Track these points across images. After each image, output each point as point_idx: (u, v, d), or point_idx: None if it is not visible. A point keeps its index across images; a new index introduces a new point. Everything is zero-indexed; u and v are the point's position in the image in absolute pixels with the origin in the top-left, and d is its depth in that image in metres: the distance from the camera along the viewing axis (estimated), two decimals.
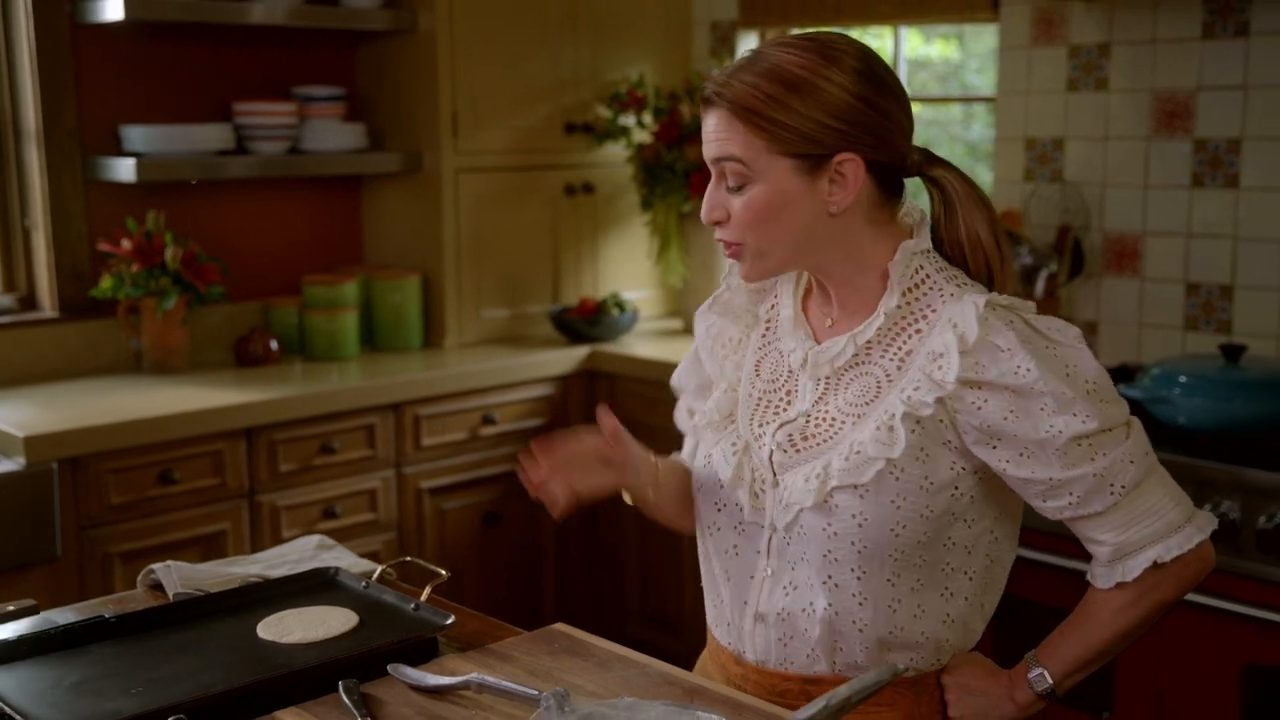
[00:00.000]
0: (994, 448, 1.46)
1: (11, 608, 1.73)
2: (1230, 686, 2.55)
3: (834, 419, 1.52)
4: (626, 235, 4.05)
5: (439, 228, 3.64)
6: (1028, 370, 1.43)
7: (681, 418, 1.74)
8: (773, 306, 1.65)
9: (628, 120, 3.88)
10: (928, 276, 1.52)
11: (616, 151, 3.93)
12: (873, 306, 1.53)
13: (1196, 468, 2.55)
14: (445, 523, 3.41)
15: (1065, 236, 3.34)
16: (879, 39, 4.13)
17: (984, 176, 3.97)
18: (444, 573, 1.76)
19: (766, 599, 1.56)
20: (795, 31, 1.51)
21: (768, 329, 1.64)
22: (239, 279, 3.56)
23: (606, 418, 1.58)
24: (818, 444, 1.52)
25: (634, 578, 3.73)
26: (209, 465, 2.97)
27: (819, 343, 1.57)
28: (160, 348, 3.30)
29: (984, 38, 3.94)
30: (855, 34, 4.09)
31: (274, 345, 3.46)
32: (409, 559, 1.88)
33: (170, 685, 1.48)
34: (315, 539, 2.04)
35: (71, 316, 3.31)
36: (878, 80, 1.48)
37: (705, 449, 1.63)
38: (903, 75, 3.96)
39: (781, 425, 1.56)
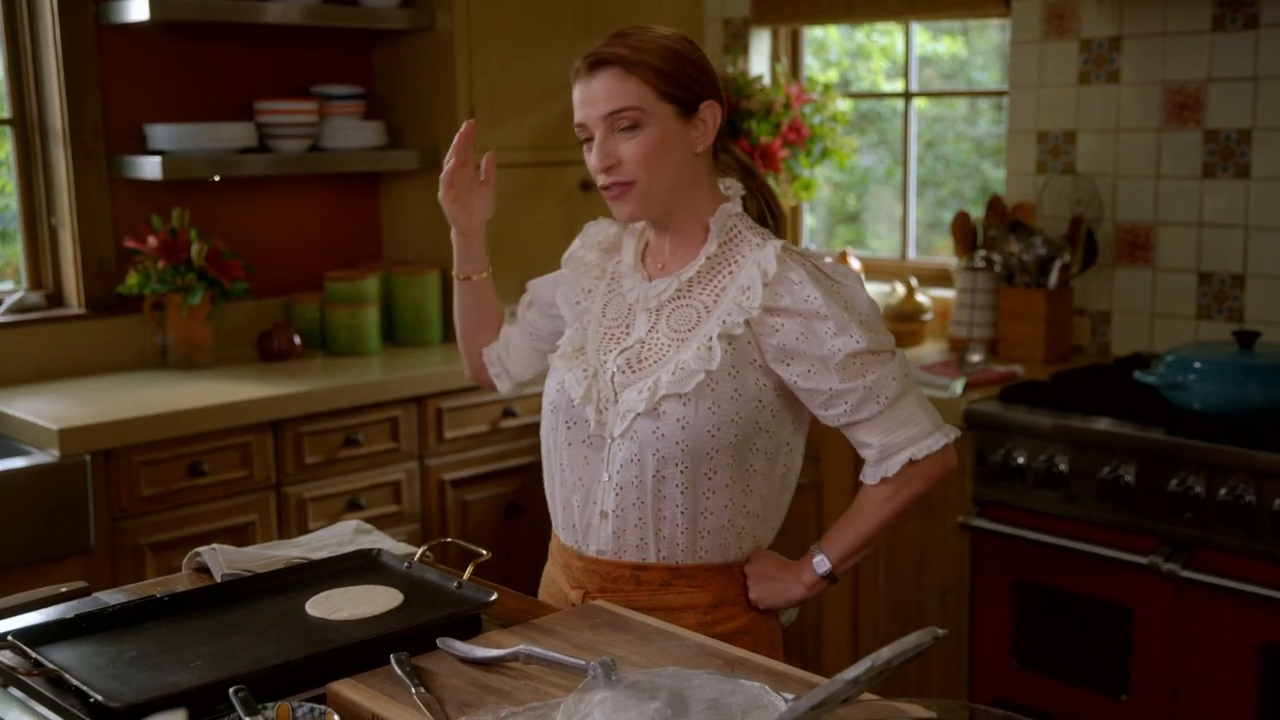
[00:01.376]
0: (788, 364, 1.79)
1: (64, 589, 1.78)
2: (1247, 667, 2.59)
3: (663, 344, 1.84)
4: None
5: None
6: (814, 298, 1.77)
7: (521, 305, 2.15)
8: (618, 261, 1.97)
9: None
10: (740, 232, 1.87)
11: None
12: (695, 253, 1.87)
13: (1211, 451, 2.59)
14: (468, 514, 3.45)
15: (1078, 228, 3.38)
16: (888, 35, 4.17)
17: (991, 172, 4.01)
18: (485, 552, 1.79)
19: (609, 498, 1.84)
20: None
21: (613, 279, 1.96)
22: (261, 275, 3.60)
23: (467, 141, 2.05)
24: (650, 365, 1.83)
25: None
26: (237, 457, 3.02)
27: (651, 283, 1.89)
28: (185, 343, 3.34)
29: (989, 34, 3.98)
30: (865, 29, 4.14)
31: (297, 340, 3.50)
32: (449, 540, 1.92)
33: (226, 659, 1.52)
34: (353, 524, 2.08)
35: (98, 313, 3.36)
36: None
37: (558, 376, 1.91)
38: (913, 71, 4.00)
39: (621, 351, 1.86)
